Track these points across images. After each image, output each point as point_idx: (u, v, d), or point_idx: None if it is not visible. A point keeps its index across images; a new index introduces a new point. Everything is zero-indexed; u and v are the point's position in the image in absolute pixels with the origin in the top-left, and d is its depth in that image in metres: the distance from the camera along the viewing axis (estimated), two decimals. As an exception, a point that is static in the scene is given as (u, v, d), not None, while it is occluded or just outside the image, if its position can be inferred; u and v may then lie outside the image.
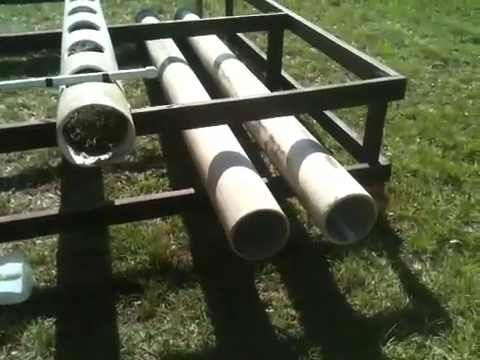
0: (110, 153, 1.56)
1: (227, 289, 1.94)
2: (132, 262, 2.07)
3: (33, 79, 1.68)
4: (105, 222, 2.13)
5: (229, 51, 3.28)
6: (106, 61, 1.84)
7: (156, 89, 3.12)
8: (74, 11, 2.49)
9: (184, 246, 2.16)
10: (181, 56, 3.19)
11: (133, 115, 1.58)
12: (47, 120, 1.79)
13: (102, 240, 2.19)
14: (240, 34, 4.16)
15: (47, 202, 2.46)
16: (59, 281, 1.98)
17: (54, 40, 2.98)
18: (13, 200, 2.46)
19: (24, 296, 1.87)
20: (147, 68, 1.70)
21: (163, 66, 3.00)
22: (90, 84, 1.58)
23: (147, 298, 1.88)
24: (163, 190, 2.55)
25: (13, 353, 1.70)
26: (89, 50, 1.96)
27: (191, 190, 2.12)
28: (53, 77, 1.64)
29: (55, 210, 2.02)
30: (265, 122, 2.26)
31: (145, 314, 1.82)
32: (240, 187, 1.79)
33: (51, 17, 5.07)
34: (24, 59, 4.07)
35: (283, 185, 2.04)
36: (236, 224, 1.63)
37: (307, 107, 2.27)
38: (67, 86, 1.64)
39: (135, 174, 2.67)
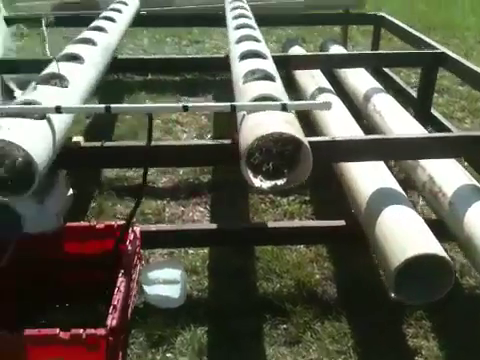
0: (285, 179, 1.62)
1: (374, 328, 1.90)
2: (278, 285, 2.12)
3: (218, 103, 1.81)
4: (255, 242, 2.21)
5: (378, 85, 3.26)
6: (278, 90, 1.93)
7: (302, 118, 3.19)
8: (240, 40, 2.64)
9: (328, 277, 2.17)
10: (329, 87, 3.24)
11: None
12: (222, 141, 1.93)
13: (249, 259, 2.27)
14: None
15: (198, 215, 2.62)
16: (210, 293, 2.09)
17: (212, 64, 3.24)
18: (167, 209, 2.66)
19: (180, 301, 2.00)
20: (323, 101, 1.75)
21: (312, 96, 3.07)
22: (272, 112, 1.66)
23: (293, 324, 1.91)
24: (306, 217, 2.59)
25: (168, 355, 1.82)
26: (260, 79, 2.06)
27: (342, 222, 2.14)
28: (236, 103, 1.74)
29: (212, 225, 2.14)
30: (423, 161, 2.20)
31: (291, 339, 1.85)
32: (404, 226, 1.76)
33: (201, 40, 5.44)
34: (177, 79, 4.40)
35: (441, 229, 1.97)
36: (401, 264, 1.60)
37: (472, 151, 2.17)
38: (248, 112, 1.74)
39: (278, 198, 2.74)
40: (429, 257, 1.62)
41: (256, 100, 1.78)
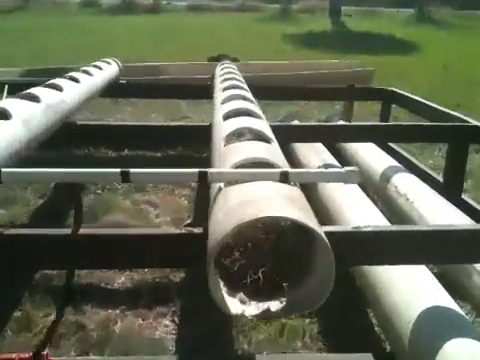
0: (283, 299, 0.94)
1: None
2: None
3: (183, 170, 1.17)
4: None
5: (396, 162, 2.68)
6: (276, 155, 1.31)
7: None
8: (225, 101, 2.08)
9: None
10: (337, 164, 2.66)
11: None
12: (190, 230, 1.26)
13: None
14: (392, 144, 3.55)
15: (161, 332, 1.89)
16: None
17: (196, 133, 2.70)
18: (120, 322, 1.93)
19: None
20: (346, 168, 1.11)
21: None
22: (263, 184, 1.02)
23: None
24: (310, 337, 1.86)
25: None
26: (250, 140, 1.46)
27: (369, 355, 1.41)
28: (209, 170, 1.11)
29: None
30: None
31: None
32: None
33: (190, 117, 4.95)
34: (159, 155, 3.82)
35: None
36: None
37: None
38: (226, 185, 1.10)
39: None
40: None
41: (240, 167, 1.16)
